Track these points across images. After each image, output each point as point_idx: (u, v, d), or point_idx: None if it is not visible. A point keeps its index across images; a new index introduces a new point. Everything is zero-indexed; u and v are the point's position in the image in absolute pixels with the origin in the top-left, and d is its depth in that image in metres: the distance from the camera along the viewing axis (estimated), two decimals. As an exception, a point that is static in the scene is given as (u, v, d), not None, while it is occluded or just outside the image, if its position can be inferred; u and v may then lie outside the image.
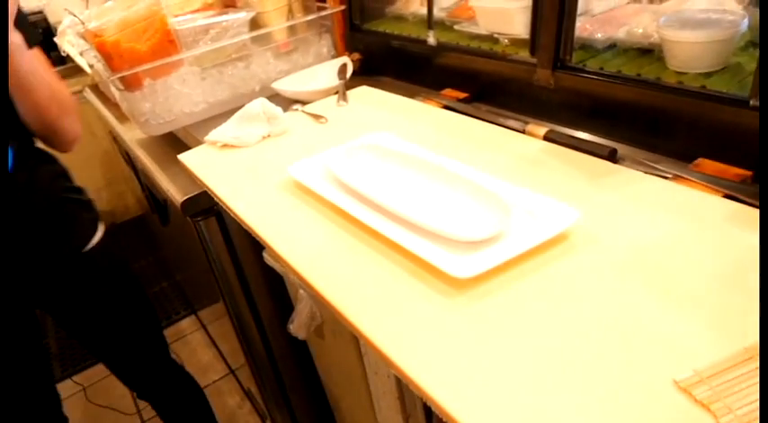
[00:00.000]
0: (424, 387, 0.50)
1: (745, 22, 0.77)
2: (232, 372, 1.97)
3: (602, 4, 1.03)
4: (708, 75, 0.78)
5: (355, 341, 1.08)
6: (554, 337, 0.52)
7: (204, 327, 2.18)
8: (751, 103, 0.69)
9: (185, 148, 1.28)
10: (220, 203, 0.89)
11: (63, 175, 1.09)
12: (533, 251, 0.61)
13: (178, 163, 1.09)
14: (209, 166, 1.00)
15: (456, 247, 0.63)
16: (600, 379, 0.47)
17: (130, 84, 1.18)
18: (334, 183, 0.81)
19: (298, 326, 1.18)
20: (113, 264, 1.16)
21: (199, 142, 1.17)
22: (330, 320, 1.15)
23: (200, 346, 2.11)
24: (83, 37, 1.19)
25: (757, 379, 0.43)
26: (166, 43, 1.19)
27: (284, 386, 1.52)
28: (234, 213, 0.84)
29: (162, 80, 1.20)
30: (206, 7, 1.41)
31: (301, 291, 1.15)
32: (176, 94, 1.22)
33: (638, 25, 0.90)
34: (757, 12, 0.80)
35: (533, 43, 0.93)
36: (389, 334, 0.56)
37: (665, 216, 0.66)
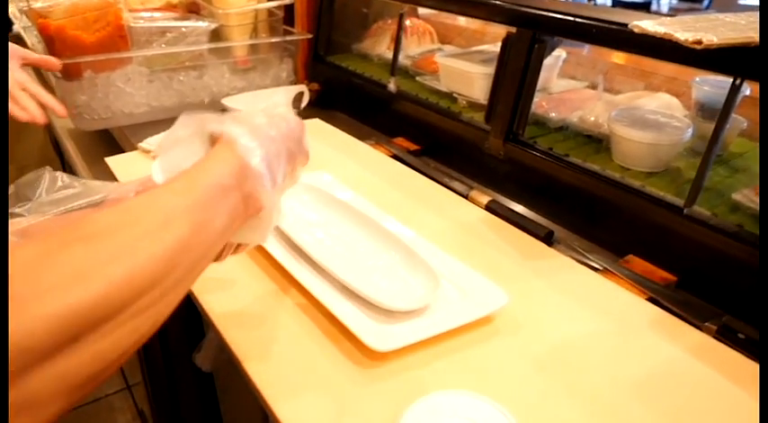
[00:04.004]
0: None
1: (690, 131, 0.80)
2: (128, 387, 1.85)
3: (560, 84, 1.06)
4: (649, 174, 0.80)
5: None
6: (462, 430, 0.50)
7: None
8: (685, 211, 0.71)
9: (118, 148, 1.20)
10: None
11: None
12: (457, 330, 0.59)
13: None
14: (136, 175, 0.93)
15: (379, 312, 0.60)
16: (501, 486, 0.45)
17: (69, 72, 1.10)
18: (265, 220, 0.76)
19: (204, 357, 1.11)
20: None
21: (132, 146, 1.10)
22: (239, 356, 1.08)
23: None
24: (26, 14, 1.11)
25: None
26: (117, 38, 1.12)
27: (180, 413, 1.42)
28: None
29: (105, 75, 1.12)
30: (168, 7, 1.35)
31: (214, 320, 1.09)
32: (118, 92, 1.15)
33: (592, 112, 0.92)
34: (703, 123, 0.83)
35: (489, 111, 0.93)
36: (287, 395, 0.52)
37: (589, 313, 0.65)
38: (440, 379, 0.55)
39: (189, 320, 1.26)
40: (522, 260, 0.75)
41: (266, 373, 0.55)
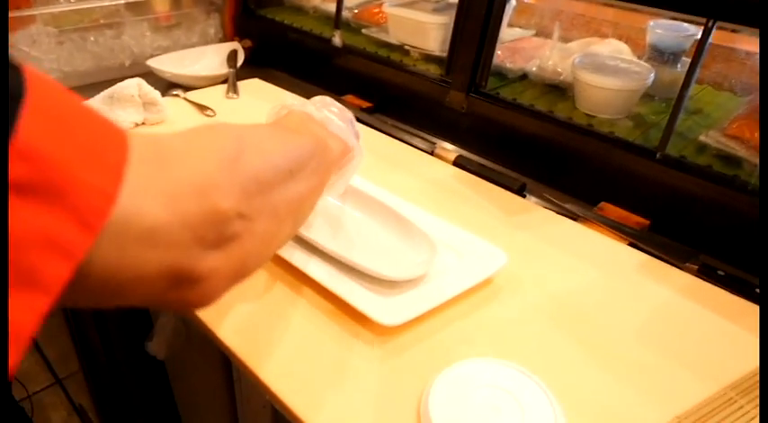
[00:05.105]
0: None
1: (652, 75, 0.80)
2: (59, 381, 1.71)
3: (510, 32, 1.04)
4: (614, 121, 0.81)
5: (226, 365, 0.97)
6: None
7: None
8: (657, 155, 0.72)
9: (27, 122, 1.06)
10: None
11: None
12: (459, 294, 0.57)
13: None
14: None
15: (379, 284, 0.56)
16: (539, 448, 0.44)
17: (-41, 35, 0.94)
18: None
19: (157, 344, 1.03)
20: None
21: (48, 118, 0.97)
22: (199, 339, 1.02)
23: (20, 350, 1.80)
24: None
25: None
26: (14, -7, 0.97)
27: (127, 404, 1.33)
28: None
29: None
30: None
31: (166, 304, 1.01)
32: (22, 57, 1.00)
33: (549, 61, 0.91)
34: (658, 67, 0.84)
35: (450, 63, 0.90)
36: (296, 387, 0.48)
37: (580, 263, 0.65)
38: (453, 346, 0.53)
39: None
40: (501, 214, 0.74)
41: (274, 369, 0.50)
